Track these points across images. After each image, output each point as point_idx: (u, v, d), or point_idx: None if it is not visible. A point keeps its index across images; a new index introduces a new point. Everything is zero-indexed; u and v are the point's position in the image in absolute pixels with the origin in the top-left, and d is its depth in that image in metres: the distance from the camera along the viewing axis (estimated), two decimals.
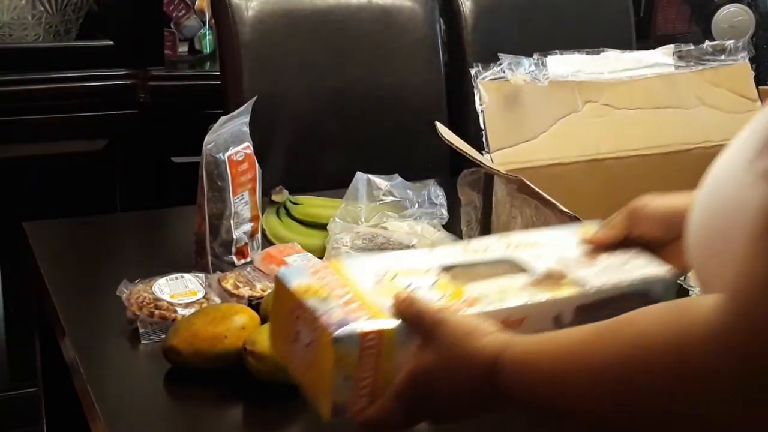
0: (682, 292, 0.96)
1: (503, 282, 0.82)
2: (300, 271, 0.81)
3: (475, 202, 1.30)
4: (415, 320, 0.75)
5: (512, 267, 0.85)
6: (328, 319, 0.74)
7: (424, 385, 0.73)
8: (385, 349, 0.74)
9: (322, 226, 1.39)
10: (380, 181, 1.43)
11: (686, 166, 1.26)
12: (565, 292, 0.81)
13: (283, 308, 0.80)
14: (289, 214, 1.46)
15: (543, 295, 0.80)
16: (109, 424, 0.97)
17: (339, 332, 0.73)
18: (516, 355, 0.69)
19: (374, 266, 0.82)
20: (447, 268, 0.83)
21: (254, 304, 1.16)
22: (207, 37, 2.34)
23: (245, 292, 1.19)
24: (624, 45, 1.63)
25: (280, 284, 0.80)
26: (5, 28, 2.13)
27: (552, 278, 0.83)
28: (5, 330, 2.12)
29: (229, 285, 1.20)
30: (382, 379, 0.75)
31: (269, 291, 1.18)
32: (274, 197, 1.49)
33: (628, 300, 0.82)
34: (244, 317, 1.08)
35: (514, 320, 0.77)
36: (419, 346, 0.74)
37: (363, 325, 0.74)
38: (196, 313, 1.10)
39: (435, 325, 0.73)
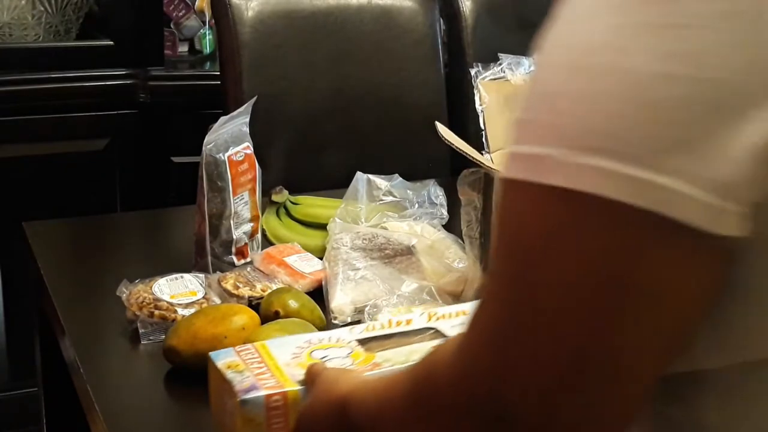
0: None
1: (415, 347, 0.91)
2: (227, 352, 0.92)
3: (475, 202, 1.30)
4: (307, 376, 0.86)
5: (434, 335, 0.95)
6: (239, 386, 0.85)
7: (305, 426, 0.82)
8: (292, 409, 0.84)
9: (322, 226, 1.39)
10: (380, 181, 1.43)
11: None
12: None
13: (215, 383, 0.91)
14: (289, 215, 1.46)
15: None
16: (108, 423, 0.97)
17: (246, 396, 0.84)
18: (358, 392, 0.76)
19: (294, 344, 0.93)
20: (363, 341, 0.94)
21: (254, 304, 1.16)
22: (207, 37, 2.34)
23: (245, 292, 1.19)
24: None
25: (211, 363, 0.91)
26: (5, 28, 2.13)
27: None
28: (5, 329, 2.12)
29: (229, 285, 1.20)
30: None
31: (269, 291, 1.18)
32: (274, 197, 1.49)
33: None
34: (243, 317, 1.08)
35: None
36: (308, 395, 0.85)
37: (268, 389, 0.85)
38: (196, 314, 1.10)
39: (316, 376, 0.84)
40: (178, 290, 1.17)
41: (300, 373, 0.87)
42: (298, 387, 0.85)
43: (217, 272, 1.25)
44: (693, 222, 0.52)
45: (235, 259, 1.30)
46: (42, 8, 2.14)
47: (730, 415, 0.62)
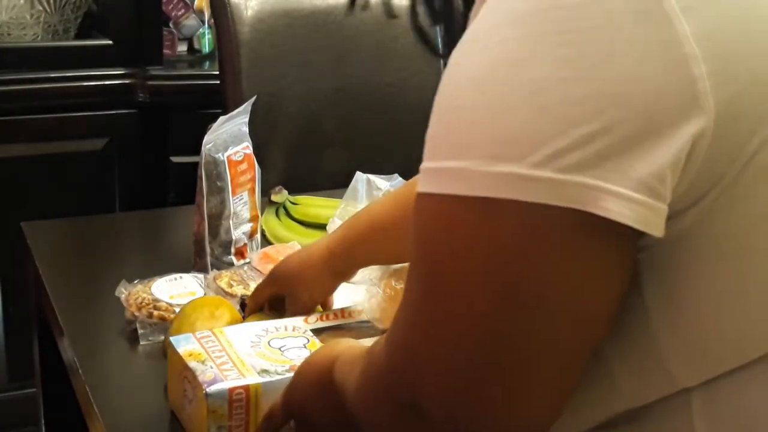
0: None
1: (366, 340, 0.92)
2: (188, 338, 0.95)
3: None
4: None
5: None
6: (203, 377, 0.89)
7: (300, 378, 0.86)
8: (253, 401, 0.89)
9: (321, 227, 1.39)
10: (380, 181, 1.43)
11: None
12: None
13: (176, 369, 0.95)
14: (288, 215, 1.46)
15: None
16: (107, 424, 0.97)
17: (210, 388, 0.88)
18: (342, 356, 0.80)
19: (253, 332, 0.97)
20: (318, 331, 0.99)
21: (246, 302, 1.16)
22: (206, 37, 2.34)
23: (238, 290, 1.18)
24: None
25: (172, 348, 0.95)
26: (3, 27, 2.12)
27: None
28: (4, 330, 2.12)
29: (223, 283, 1.19)
30: (253, 427, 0.90)
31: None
32: (274, 197, 1.48)
33: None
34: (227, 313, 1.08)
35: None
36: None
37: (232, 382, 0.89)
38: (189, 311, 1.09)
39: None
40: (177, 291, 1.17)
41: (261, 363, 0.92)
42: (260, 380, 0.90)
43: (213, 270, 1.24)
44: (614, 216, 0.54)
45: (234, 259, 1.30)
46: (41, 7, 2.13)
47: (720, 428, 0.62)
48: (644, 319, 0.61)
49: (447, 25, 0.75)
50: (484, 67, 0.58)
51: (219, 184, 1.26)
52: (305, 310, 1.08)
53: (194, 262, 1.29)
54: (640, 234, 0.56)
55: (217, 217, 1.27)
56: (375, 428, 0.72)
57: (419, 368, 0.62)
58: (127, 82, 2.12)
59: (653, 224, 0.55)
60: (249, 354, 0.93)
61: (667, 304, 0.60)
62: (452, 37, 0.65)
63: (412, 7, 0.80)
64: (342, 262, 1.09)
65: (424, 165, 0.60)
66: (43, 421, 1.48)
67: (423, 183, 0.60)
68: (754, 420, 0.61)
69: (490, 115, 0.57)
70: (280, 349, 0.95)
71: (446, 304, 0.60)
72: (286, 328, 0.99)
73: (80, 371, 1.07)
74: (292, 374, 0.89)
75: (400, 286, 1.08)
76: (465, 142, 0.58)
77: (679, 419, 0.63)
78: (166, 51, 2.24)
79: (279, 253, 1.29)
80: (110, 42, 2.14)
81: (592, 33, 0.54)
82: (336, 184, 1.49)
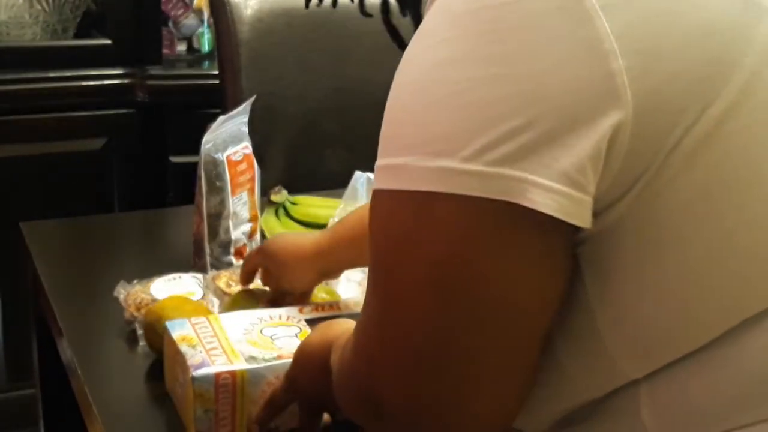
0: None
1: None
2: (183, 323, 0.98)
3: None
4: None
5: None
6: (192, 361, 0.91)
7: (299, 355, 0.90)
8: (239, 387, 0.91)
9: (321, 227, 1.38)
10: None
11: None
12: None
13: (170, 353, 0.98)
14: (288, 215, 1.46)
15: None
16: (106, 425, 0.97)
17: (197, 372, 0.90)
18: (338, 340, 0.82)
19: (247, 320, 0.99)
20: (311, 321, 1.00)
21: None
22: (205, 36, 2.34)
23: (236, 290, 1.18)
24: None
25: (167, 334, 0.97)
26: (2, 26, 2.12)
27: None
28: (3, 331, 2.11)
29: (221, 283, 1.19)
30: (239, 412, 0.92)
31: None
32: (273, 197, 1.48)
33: None
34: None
35: None
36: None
37: (219, 367, 0.91)
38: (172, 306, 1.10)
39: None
40: (176, 291, 1.16)
41: (249, 350, 0.93)
42: (247, 366, 0.92)
43: (212, 270, 1.24)
44: (539, 206, 0.56)
45: (233, 259, 1.29)
46: (39, 7, 2.13)
47: (669, 422, 0.64)
48: (588, 313, 0.63)
49: (415, 16, 0.78)
50: (424, 67, 0.61)
51: (218, 184, 1.26)
52: (284, 294, 1.11)
53: (193, 262, 1.29)
54: (575, 229, 0.59)
55: (217, 217, 1.27)
56: (353, 418, 0.75)
57: (376, 370, 0.65)
58: (126, 81, 2.12)
59: (576, 215, 0.57)
60: (240, 341, 0.95)
61: (607, 298, 0.62)
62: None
63: (384, 1, 0.83)
64: (327, 262, 1.10)
65: (377, 163, 0.63)
66: (42, 422, 1.48)
67: (374, 180, 0.63)
68: (695, 409, 0.63)
69: (427, 113, 0.60)
70: (271, 337, 0.97)
71: (394, 303, 0.63)
72: (280, 317, 1.01)
73: (79, 371, 1.07)
74: (279, 362, 0.92)
75: None
76: (406, 139, 0.61)
77: (629, 411, 0.65)
78: (165, 50, 2.23)
79: None
80: (109, 41, 2.13)
81: (517, 31, 0.57)
82: (335, 183, 1.48)
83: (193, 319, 0.99)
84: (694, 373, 0.62)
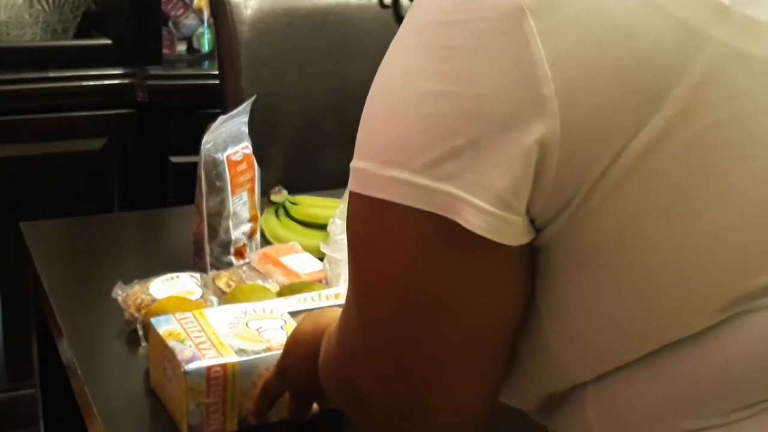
0: None
1: None
2: (168, 319, 0.99)
3: None
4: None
5: None
6: (182, 356, 0.92)
7: (290, 344, 0.91)
8: (230, 379, 0.92)
9: (321, 227, 1.38)
10: None
11: None
12: None
13: (156, 349, 0.98)
14: (288, 215, 1.46)
15: None
16: (106, 425, 0.97)
17: (188, 366, 0.91)
18: (329, 328, 0.83)
19: (232, 314, 1.00)
20: (295, 313, 1.01)
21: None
22: (205, 36, 2.34)
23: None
24: None
25: (153, 330, 0.98)
26: (2, 26, 2.12)
27: None
28: (3, 330, 2.11)
29: (221, 284, 1.19)
30: (230, 404, 0.94)
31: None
32: (273, 197, 1.48)
33: None
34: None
35: None
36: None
37: (210, 360, 0.92)
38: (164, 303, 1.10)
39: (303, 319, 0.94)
40: (174, 290, 1.16)
41: (238, 343, 0.95)
42: (237, 359, 0.93)
43: (212, 270, 1.24)
44: (473, 227, 0.58)
45: (233, 259, 1.29)
46: (39, 7, 2.13)
47: (609, 423, 0.66)
48: (537, 316, 0.65)
49: None
50: (388, 75, 0.63)
51: (218, 184, 1.26)
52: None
53: (193, 263, 1.29)
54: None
55: (217, 217, 1.27)
56: (338, 408, 0.79)
57: (356, 364, 0.69)
58: (126, 81, 2.12)
59: (505, 235, 0.59)
60: (227, 334, 0.97)
61: (552, 305, 0.64)
62: None
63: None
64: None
65: (351, 165, 0.66)
66: (42, 422, 1.47)
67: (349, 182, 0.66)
68: (635, 414, 0.64)
69: (386, 121, 0.62)
70: (257, 330, 0.98)
71: (364, 301, 0.66)
72: (264, 311, 1.02)
73: (79, 372, 1.07)
74: (269, 354, 0.94)
75: None
76: (368, 144, 0.64)
77: (577, 409, 0.67)
78: (165, 50, 2.23)
79: (278, 253, 1.29)
80: (109, 41, 2.13)
81: (462, 50, 0.58)
82: (336, 183, 1.48)
83: (179, 315, 1.00)
84: (634, 380, 0.64)
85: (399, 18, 0.85)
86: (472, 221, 0.58)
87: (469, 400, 0.67)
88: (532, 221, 0.61)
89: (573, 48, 0.57)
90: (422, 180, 0.59)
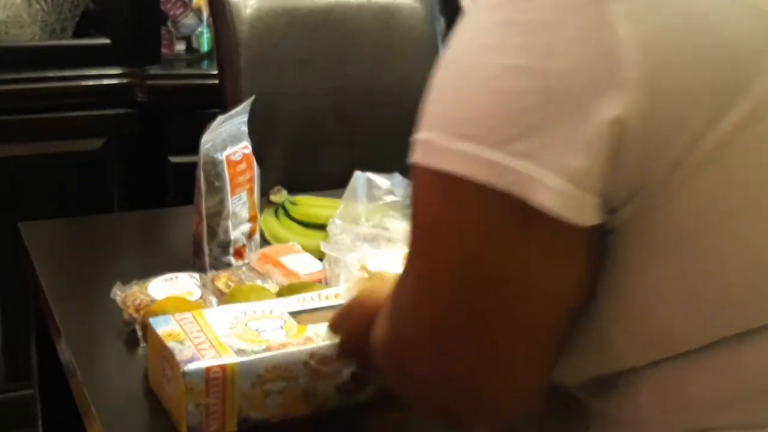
0: None
1: None
2: (167, 320, 0.99)
3: None
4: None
5: None
6: (181, 357, 0.92)
7: (341, 319, 0.93)
8: (229, 380, 0.92)
9: (321, 227, 1.38)
10: (381, 180, 1.42)
11: None
12: None
13: (155, 350, 0.98)
14: (287, 215, 1.45)
15: None
16: (105, 425, 0.97)
17: (187, 367, 0.91)
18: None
19: (231, 314, 1.00)
20: (294, 313, 1.01)
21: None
22: (204, 36, 2.33)
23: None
24: None
25: (151, 330, 0.98)
26: (1, 26, 2.11)
27: None
28: (1, 331, 2.11)
29: (221, 284, 1.19)
30: (230, 405, 0.93)
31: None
32: (273, 197, 1.47)
33: None
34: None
35: None
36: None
37: (209, 361, 0.92)
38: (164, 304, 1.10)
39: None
40: (173, 291, 1.16)
41: (238, 344, 0.94)
42: (237, 360, 0.93)
43: (212, 271, 1.24)
44: (547, 206, 0.58)
45: (233, 259, 1.29)
46: (38, 6, 2.12)
47: (663, 409, 0.66)
48: (594, 301, 0.64)
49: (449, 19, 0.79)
50: (462, 49, 0.62)
51: (217, 184, 1.25)
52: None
53: (193, 263, 1.28)
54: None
55: (216, 217, 1.26)
56: (386, 381, 0.77)
57: (405, 341, 0.68)
58: (125, 81, 2.11)
59: (579, 216, 0.59)
60: (226, 335, 0.96)
61: (613, 292, 0.64)
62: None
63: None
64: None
65: (414, 136, 0.65)
66: (40, 423, 1.47)
67: (413, 152, 0.64)
68: (688, 402, 0.65)
69: (458, 95, 0.61)
70: (257, 330, 0.98)
71: (422, 282, 0.65)
72: (263, 311, 1.02)
73: (78, 372, 1.06)
74: (268, 354, 0.94)
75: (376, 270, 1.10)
76: (436, 116, 0.63)
77: (629, 391, 0.67)
78: (164, 50, 2.23)
79: (278, 253, 1.29)
80: (108, 41, 2.13)
81: (542, 27, 0.58)
82: (335, 183, 1.48)
83: (178, 315, 1.00)
84: (695, 369, 0.64)
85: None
86: (545, 200, 0.57)
87: (524, 381, 0.67)
88: (604, 203, 0.60)
89: (656, 32, 0.57)
90: (496, 156, 0.58)
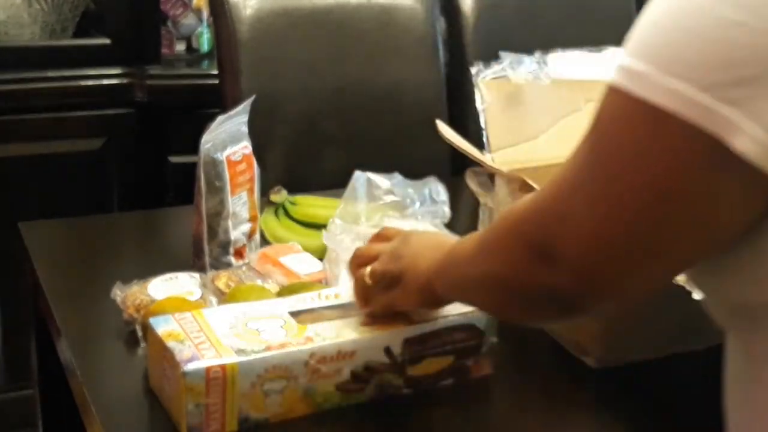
0: (686, 294, 0.95)
1: (341, 322, 1.00)
2: (167, 319, 0.99)
3: (488, 203, 1.29)
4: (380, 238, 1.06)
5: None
6: (181, 356, 0.92)
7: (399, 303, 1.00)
8: (229, 380, 0.92)
9: (321, 227, 1.38)
10: (380, 180, 1.42)
11: None
12: (393, 328, 1.01)
13: (155, 350, 0.99)
14: (287, 215, 1.45)
15: (371, 332, 0.99)
16: (105, 425, 0.97)
17: (187, 367, 0.91)
18: (437, 274, 0.93)
19: (230, 314, 1.00)
20: (294, 313, 1.01)
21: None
22: (204, 36, 2.33)
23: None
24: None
25: (151, 330, 0.98)
26: (1, 26, 2.11)
27: (385, 316, 1.01)
28: (1, 331, 2.11)
29: (221, 284, 1.19)
30: (230, 405, 0.93)
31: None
32: (273, 197, 1.47)
33: (455, 331, 1.03)
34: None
35: (346, 353, 0.97)
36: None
37: (209, 360, 0.92)
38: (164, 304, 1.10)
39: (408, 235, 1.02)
40: (173, 290, 1.16)
41: (238, 344, 0.95)
42: (237, 359, 0.93)
43: (212, 270, 1.24)
44: (744, 152, 0.63)
45: (233, 259, 1.29)
46: (38, 6, 2.12)
47: None
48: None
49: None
50: None
51: (218, 184, 1.25)
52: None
53: (193, 263, 1.28)
54: None
55: (216, 217, 1.26)
56: (489, 277, 0.82)
57: (565, 218, 0.71)
58: (124, 81, 2.11)
59: None
60: (226, 335, 0.96)
61: None
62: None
63: None
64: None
65: (620, 60, 0.68)
66: (40, 423, 1.47)
67: (615, 74, 0.68)
68: None
69: (678, 36, 0.65)
70: (257, 330, 0.98)
71: (606, 187, 0.69)
72: (263, 311, 1.02)
73: (78, 372, 1.06)
74: (268, 354, 0.94)
75: None
76: (650, 48, 0.67)
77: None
78: (164, 50, 2.23)
79: (278, 253, 1.29)
80: (108, 41, 2.13)
81: None
82: (335, 183, 1.48)
83: (177, 315, 1.00)
84: None
85: None
86: (745, 146, 0.62)
87: (661, 280, 0.74)
88: None
89: None
90: (707, 98, 0.63)
